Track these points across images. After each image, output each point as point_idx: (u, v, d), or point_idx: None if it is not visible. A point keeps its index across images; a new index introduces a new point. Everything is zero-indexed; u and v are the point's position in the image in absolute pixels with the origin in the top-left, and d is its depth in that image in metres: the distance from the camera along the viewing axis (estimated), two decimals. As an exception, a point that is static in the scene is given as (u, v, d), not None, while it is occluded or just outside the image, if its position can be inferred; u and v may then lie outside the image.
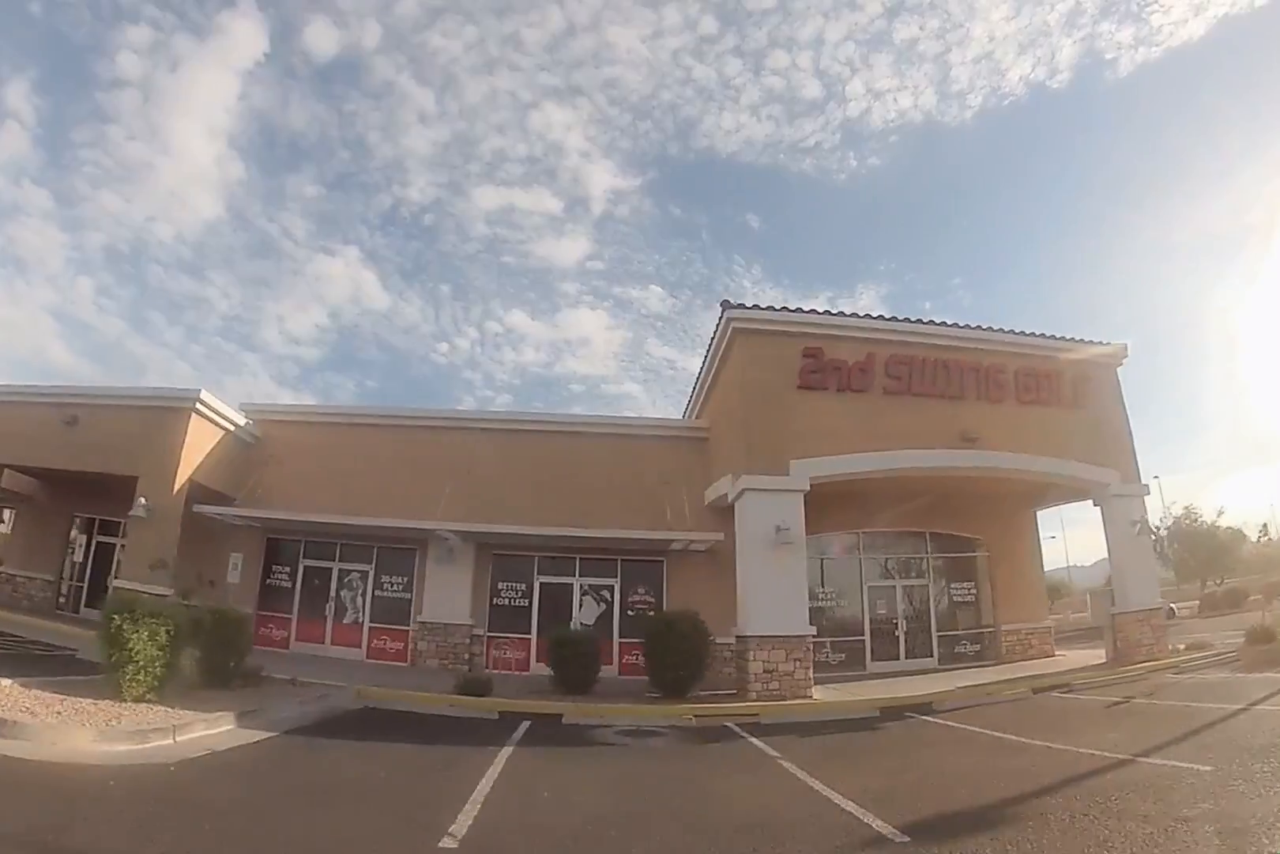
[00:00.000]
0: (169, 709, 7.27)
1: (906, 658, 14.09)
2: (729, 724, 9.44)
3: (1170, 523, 35.62)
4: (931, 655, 14.19)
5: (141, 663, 7.36)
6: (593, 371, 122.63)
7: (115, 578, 13.69)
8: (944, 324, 12.90)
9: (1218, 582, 34.67)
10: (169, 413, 13.92)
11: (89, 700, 7.11)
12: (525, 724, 8.96)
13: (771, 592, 11.48)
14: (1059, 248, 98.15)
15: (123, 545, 16.34)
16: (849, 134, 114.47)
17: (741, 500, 12.02)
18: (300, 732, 7.60)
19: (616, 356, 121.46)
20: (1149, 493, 13.06)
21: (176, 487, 13.61)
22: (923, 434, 12.36)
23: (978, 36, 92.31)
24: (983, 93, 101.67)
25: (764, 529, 11.63)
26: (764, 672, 11.12)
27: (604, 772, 6.76)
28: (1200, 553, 34.13)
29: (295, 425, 15.62)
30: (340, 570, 14.67)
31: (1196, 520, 35.61)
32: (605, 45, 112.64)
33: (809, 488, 11.82)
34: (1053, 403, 13.07)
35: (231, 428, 14.89)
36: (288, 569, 14.81)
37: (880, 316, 12.80)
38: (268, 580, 14.85)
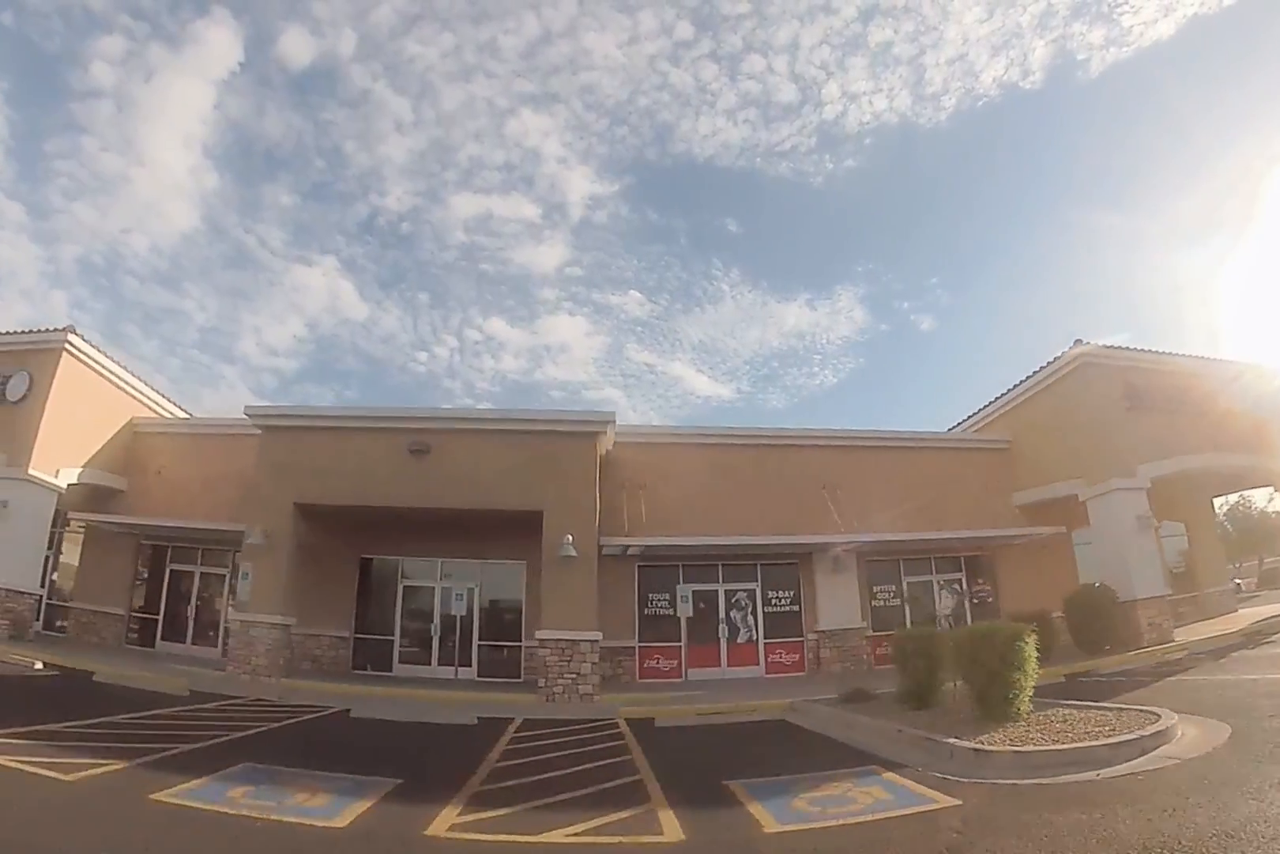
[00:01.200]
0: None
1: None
2: (1181, 657, 12.65)
3: (1226, 509, 38.61)
4: (1163, 613, 18.30)
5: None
6: (573, 378, 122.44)
7: (542, 627, 12.44)
8: (1196, 357, 17.02)
9: (1259, 561, 39.08)
10: (580, 438, 13.10)
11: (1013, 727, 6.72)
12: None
13: (1142, 564, 14.58)
14: (1035, 245, 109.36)
15: (443, 589, 14.62)
16: (825, 137, 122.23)
17: (1109, 498, 14.82)
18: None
19: (596, 362, 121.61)
20: (1319, 480, 18.38)
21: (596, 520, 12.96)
22: (1198, 442, 16.07)
23: (951, 39, 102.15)
24: (957, 94, 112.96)
25: (1128, 519, 14.69)
26: (1148, 624, 14.13)
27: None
28: (1254, 535, 38.59)
29: (640, 446, 15.28)
30: (727, 591, 14.84)
31: (1250, 506, 39.38)
32: (582, 51, 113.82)
33: (1150, 486, 15.13)
34: (1254, 412, 17.51)
35: (603, 452, 14.28)
36: (666, 596, 14.60)
37: (1154, 351, 16.52)
38: (645, 610, 14.50)
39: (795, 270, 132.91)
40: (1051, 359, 16.07)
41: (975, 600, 16.16)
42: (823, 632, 14.67)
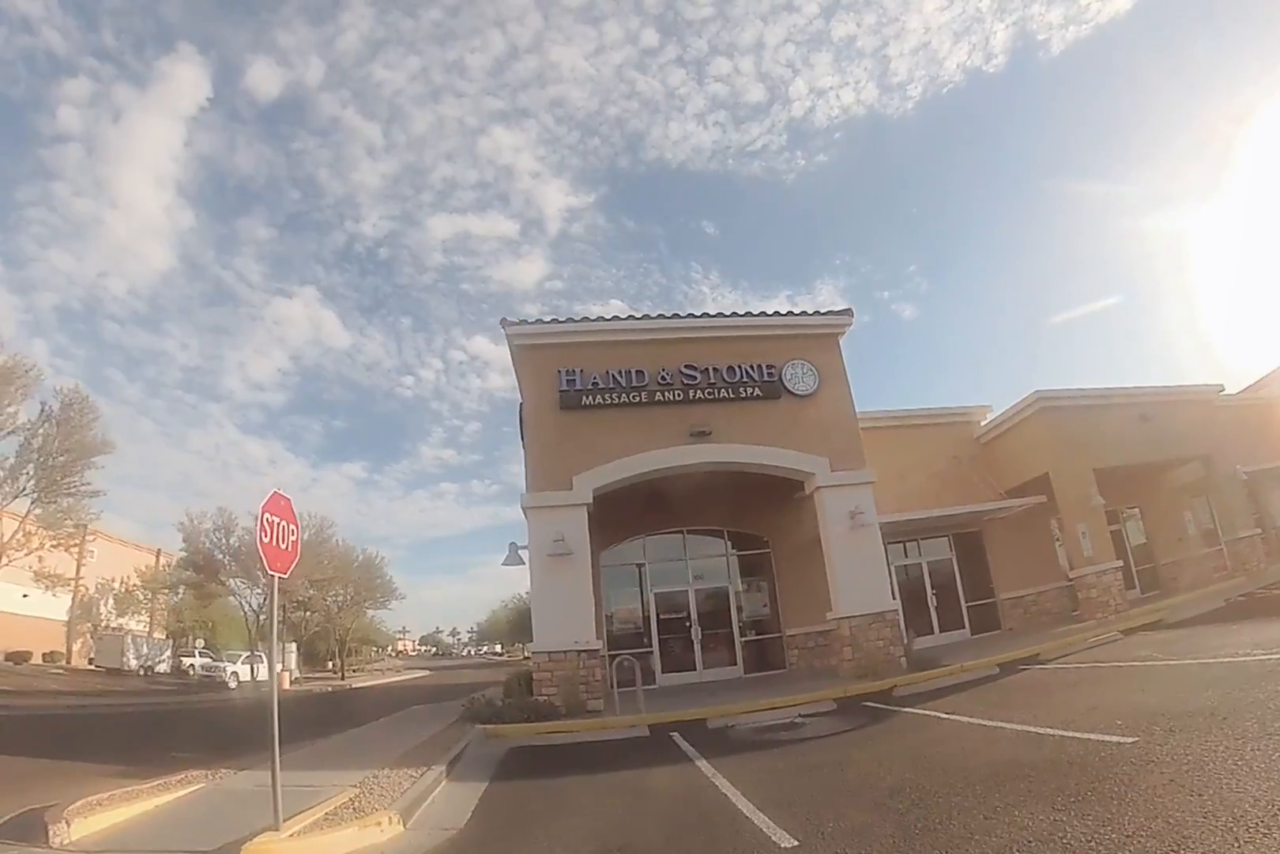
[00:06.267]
0: None
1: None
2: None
3: None
4: None
5: None
6: None
7: None
8: None
9: None
10: (1205, 403, 16.92)
11: None
12: None
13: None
14: (1008, 225, 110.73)
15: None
16: (795, 134, 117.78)
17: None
18: None
19: None
20: None
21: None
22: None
23: (913, 28, 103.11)
24: (922, 83, 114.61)
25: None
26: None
27: None
28: None
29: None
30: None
31: None
32: (549, 65, 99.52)
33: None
34: None
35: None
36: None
37: None
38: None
39: (774, 268, 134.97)
40: None
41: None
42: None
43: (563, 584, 11.06)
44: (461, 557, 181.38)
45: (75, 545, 19.33)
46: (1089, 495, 14.30)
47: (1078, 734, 5.48)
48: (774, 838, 3.99)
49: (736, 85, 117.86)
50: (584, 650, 10.71)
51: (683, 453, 11.95)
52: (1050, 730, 5.81)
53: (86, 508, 19.05)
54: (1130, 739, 5.03)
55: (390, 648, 75.51)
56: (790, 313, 12.98)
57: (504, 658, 70.29)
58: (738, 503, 14.13)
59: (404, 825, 4.97)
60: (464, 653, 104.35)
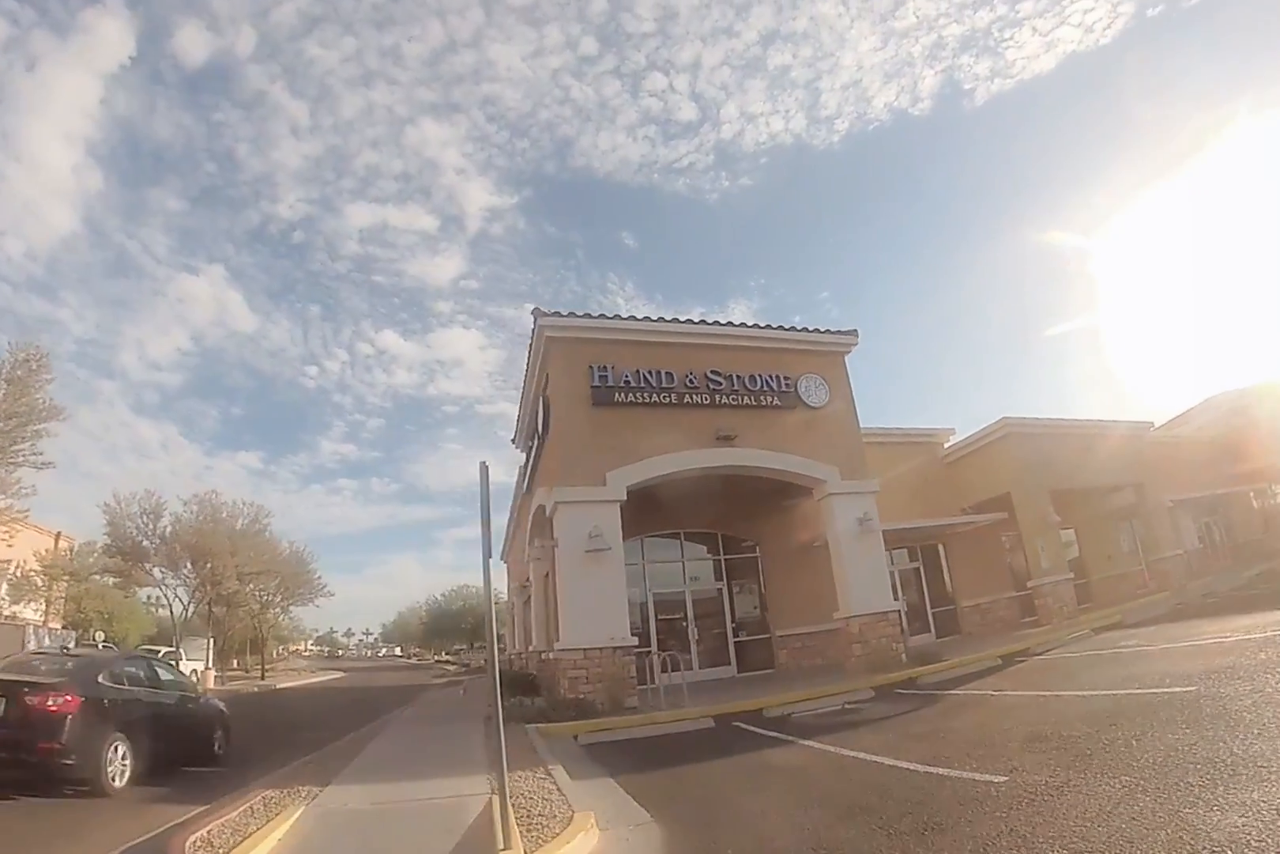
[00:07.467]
0: None
1: None
2: None
3: None
4: None
5: None
6: (467, 392, 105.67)
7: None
8: None
9: None
10: (1138, 437, 19.11)
11: None
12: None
13: None
14: (920, 258, 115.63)
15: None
16: (722, 155, 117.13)
17: None
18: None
19: (490, 376, 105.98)
20: None
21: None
22: None
23: (847, 65, 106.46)
24: (850, 118, 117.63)
25: None
26: None
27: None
28: None
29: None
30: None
31: None
32: (486, 62, 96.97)
33: None
34: None
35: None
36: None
37: None
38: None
39: (690, 284, 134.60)
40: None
41: None
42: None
43: (596, 581, 11.01)
44: (357, 556, 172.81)
45: (7, 523, 17.05)
46: (1047, 514, 15.84)
47: (1140, 691, 6.34)
48: (977, 778, 4.45)
49: (670, 102, 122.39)
50: (619, 647, 10.75)
51: (710, 455, 12.34)
52: (1111, 692, 6.64)
53: (20, 482, 16.88)
54: (1191, 689, 5.96)
55: (285, 648, 71.00)
56: (805, 329, 13.76)
57: (413, 661, 67.97)
58: (730, 507, 14.64)
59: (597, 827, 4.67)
60: (364, 654, 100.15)
